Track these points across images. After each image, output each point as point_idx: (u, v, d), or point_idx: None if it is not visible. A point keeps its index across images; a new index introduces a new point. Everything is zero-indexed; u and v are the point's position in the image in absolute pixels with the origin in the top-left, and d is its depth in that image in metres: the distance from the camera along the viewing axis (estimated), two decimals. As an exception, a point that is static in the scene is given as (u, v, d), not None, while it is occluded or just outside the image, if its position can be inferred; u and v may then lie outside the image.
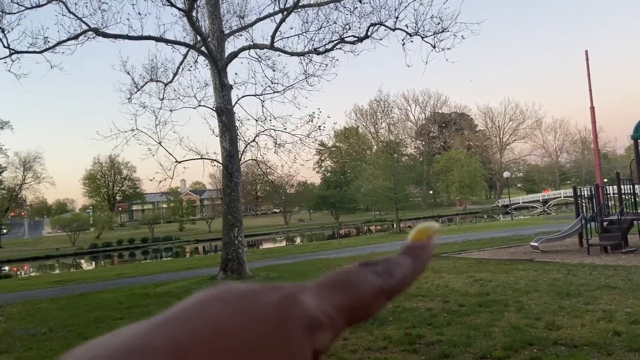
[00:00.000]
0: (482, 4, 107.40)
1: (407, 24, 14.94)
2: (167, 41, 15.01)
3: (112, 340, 0.24)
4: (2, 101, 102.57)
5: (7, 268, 41.91)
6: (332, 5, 15.13)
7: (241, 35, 16.09)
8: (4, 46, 13.47)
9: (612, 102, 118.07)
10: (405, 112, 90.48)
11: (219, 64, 14.08)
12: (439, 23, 14.58)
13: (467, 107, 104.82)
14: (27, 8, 13.52)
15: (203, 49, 14.14)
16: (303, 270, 14.60)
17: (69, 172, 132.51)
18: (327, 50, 15.30)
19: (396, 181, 35.98)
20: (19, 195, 72.02)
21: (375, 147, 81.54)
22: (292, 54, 15.45)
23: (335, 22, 15.21)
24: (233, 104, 14.82)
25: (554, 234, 15.52)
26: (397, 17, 14.58)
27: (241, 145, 15.30)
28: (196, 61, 16.39)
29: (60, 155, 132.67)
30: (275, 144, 16.38)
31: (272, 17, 15.14)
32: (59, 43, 13.92)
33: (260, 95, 15.98)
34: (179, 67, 16.26)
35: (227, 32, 15.32)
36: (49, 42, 13.95)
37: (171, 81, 16.11)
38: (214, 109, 14.66)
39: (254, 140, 15.96)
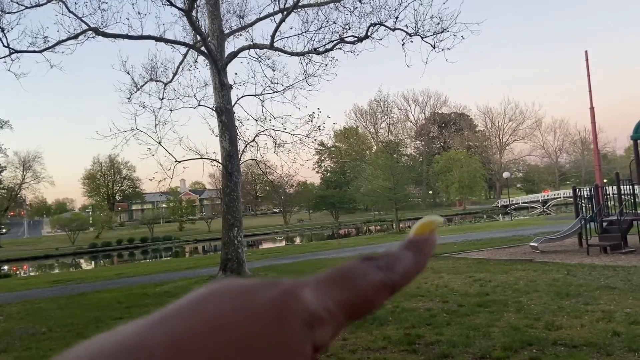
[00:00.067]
0: (482, 4, 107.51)
1: (407, 24, 14.96)
2: (166, 41, 15.01)
3: (111, 338, 0.24)
4: (1, 101, 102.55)
5: (6, 267, 41.89)
6: (332, 5, 15.13)
7: (241, 35, 16.10)
8: (4, 45, 13.48)
9: (612, 103, 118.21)
10: (405, 112, 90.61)
11: (218, 64, 14.08)
12: (438, 23, 14.59)
13: (467, 107, 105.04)
14: (26, 7, 13.52)
15: (203, 48, 14.13)
16: (302, 271, 14.60)
17: (68, 172, 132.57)
18: (327, 50, 15.29)
19: (396, 181, 36.02)
20: (19, 195, 71.97)
21: (374, 147, 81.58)
22: (292, 54, 15.45)
23: (335, 22, 15.23)
24: (233, 103, 14.82)
25: (553, 235, 15.52)
26: (397, 17, 14.59)
27: (241, 145, 15.31)
28: (196, 61, 16.40)
29: (59, 155, 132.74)
30: (275, 143, 16.38)
31: (272, 17, 15.15)
32: (59, 42, 13.92)
33: (260, 95, 15.98)
34: (178, 67, 16.27)
35: (227, 31, 15.32)
36: (48, 41, 13.96)
37: (171, 81, 16.12)
38: (214, 108, 14.66)
39: (253, 140, 15.96)
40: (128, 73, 15.64)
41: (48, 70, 16.56)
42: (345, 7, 15.10)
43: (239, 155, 14.88)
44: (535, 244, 14.39)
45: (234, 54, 15.02)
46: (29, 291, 15.85)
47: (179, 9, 13.83)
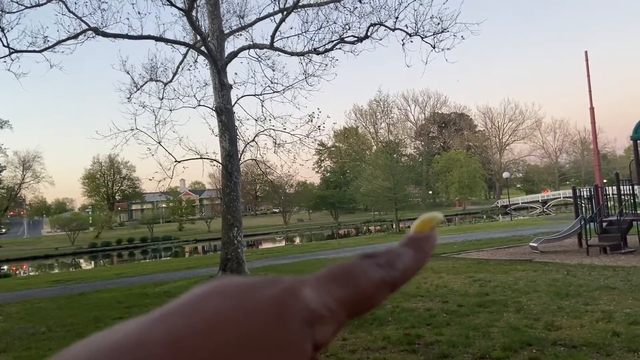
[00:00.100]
0: (482, 5, 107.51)
1: (407, 24, 14.96)
2: (166, 41, 15.01)
3: (110, 336, 0.24)
4: (1, 100, 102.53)
5: (6, 267, 41.87)
6: (332, 5, 15.13)
7: (241, 35, 16.09)
8: (4, 45, 13.47)
9: (612, 103, 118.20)
10: (404, 112, 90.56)
11: (218, 64, 14.07)
12: (438, 23, 14.59)
13: (467, 107, 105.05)
14: (26, 7, 13.52)
15: (203, 48, 14.13)
16: (302, 271, 14.60)
17: (68, 172, 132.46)
18: (326, 50, 15.29)
19: (395, 181, 36.02)
20: (18, 195, 71.96)
21: (374, 147, 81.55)
22: (292, 53, 15.45)
23: (335, 22, 15.23)
24: (233, 103, 14.82)
25: (553, 235, 15.52)
26: (397, 18, 14.59)
27: (241, 145, 15.30)
28: (196, 61, 16.40)
29: (59, 155, 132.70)
30: (275, 143, 16.38)
31: (272, 17, 15.14)
32: (59, 42, 13.91)
33: (260, 95, 15.98)
34: (178, 67, 16.27)
35: (226, 31, 15.31)
36: (48, 41, 13.96)
37: (171, 81, 16.12)
38: (214, 108, 14.65)
39: (253, 140, 15.96)
40: (128, 73, 15.65)
41: (48, 70, 16.58)
42: (345, 7, 15.11)
43: (239, 155, 14.88)
44: (535, 244, 14.40)
45: (234, 54, 15.01)
46: (29, 291, 15.85)
47: (179, 8, 13.83)
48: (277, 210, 78.69)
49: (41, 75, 15.93)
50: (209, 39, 14.19)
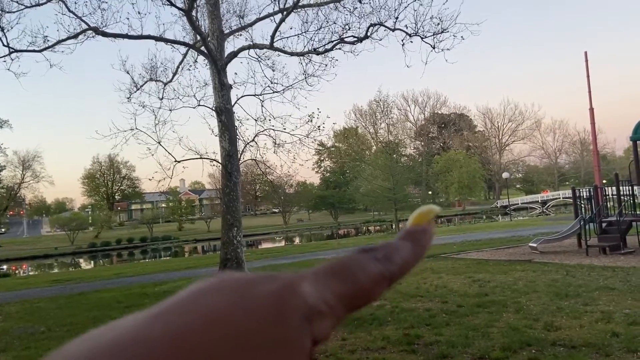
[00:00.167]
0: (482, 5, 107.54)
1: (407, 25, 14.95)
2: (166, 40, 15.00)
3: (108, 333, 0.23)
4: (1, 100, 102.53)
5: (5, 267, 41.86)
6: (331, 5, 15.13)
7: (241, 35, 16.08)
8: (4, 45, 13.46)
9: (612, 104, 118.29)
10: (404, 113, 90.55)
11: (218, 64, 14.07)
12: (438, 24, 14.59)
13: (467, 107, 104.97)
14: (26, 7, 13.51)
15: (203, 48, 14.13)
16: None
17: (68, 171, 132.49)
18: (326, 51, 15.29)
19: (395, 181, 36.02)
20: (18, 194, 71.98)
21: (374, 147, 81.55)
22: (291, 54, 15.45)
23: (335, 23, 15.22)
24: (232, 103, 14.81)
25: (552, 235, 15.53)
26: (396, 18, 14.59)
27: (240, 145, 15.29)
28: (196, 61, 16.39)
29: (59, 154, 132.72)
30: (275, 144, 16.37)
31: (271, 17, 15.14)
32: (59, 42, 13.91)
33: (260, 95, 15.97)
34: (178, 67, 16.26)
35: (226, 31, 15.31)
36: (48, 41, 13.94)
37: (171, 80, 16.11)
38: (214, 108, 14.65)
39: (253, 140, 15.95)
40: (128, 73, 15.64)
41: (48, 70, 16.57)
42: (345, 8, 15.10)
43: (239, 155, 14.88)
44: (535, 245, 14.40)
45: (234, 54, 15.01)
46: (28, 290, 15.85)
47: (178, 8, 13.83)
48: (276, 210, 78.71)
49: (41, 74, 15.92)
50: (208, 39, 14.19)
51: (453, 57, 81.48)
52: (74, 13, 13.36)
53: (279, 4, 14.87)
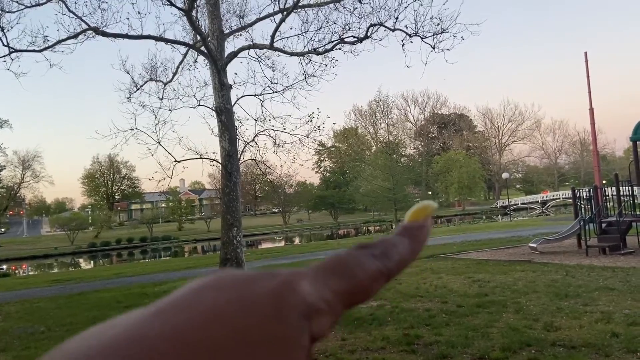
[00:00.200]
0: (482, 5, 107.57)
1: (407, 25, 14.92)
2: (166, 40, 15.00)
3: (107, 331, 0.24)
4: (1, 100, 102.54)
5: (5, 267, 41.85)
6: (332, 5, 15.12)
7: (241, 35, 16.08)
8: (4, 45, 13.45)
9: (612, 104, 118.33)
10: (404, 113, 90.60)
11: (218, 64, 14.07)
12: (438, 24, 14.57)
13: (467, 108, 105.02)
14: (26, 7, 13.50)
15: (203, 48, 14.13)
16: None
17: (68, 171, 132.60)
18: (326, 51, 15.29)
19: (395, 182, 36.07)
20: (18, 194, 71.95)
21: (374, 147, 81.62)
22: (291, 54, 15.44)
23: (335, 23, 15.21)
24: (232, 103, 14.81)
25: (552, 235, 15.53)
26: (396, 18, 14.57)
27: (240, 145, 15.28)
28: (196, 61, 16.38)
29: (59, 154, 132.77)
30: (275, 144, 16.36)
31: (271, 17, 15.13)
32: (59, 42, 13.90)
33: (260, 95, 15.96)
34: (178, 67, 16.25)
35: (226, 31, 15.31)
36: (48, 40, 13.93)
37: (171, 80, 16.10)
38: (214, 108, 14.65)
39: (253, 140, 15.94)
40: (128, 73, 15.63)
41: (48, 70, 16.54)
42: (345, 8, 15.09)
43: (239, 155, 14.87)
44: (534, 245, 14.40)
45: (234, 54, 15.01)
46: (28, 290, 15.85)
47: (178, 8, 13.83)
48: (276, 211, 78.72)
49: (41, 74, 15.88)
50: (209, 39, 14.19)
51: (453, 58, 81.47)
52: (74, 13, 13.36)
53: (279, 4, 14.87)
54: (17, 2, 13.33)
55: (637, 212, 13.96)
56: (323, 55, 15.51)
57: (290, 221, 71.93)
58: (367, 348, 6.00)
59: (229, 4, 16.14)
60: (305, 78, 15.92)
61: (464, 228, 33.90)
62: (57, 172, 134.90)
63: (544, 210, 62.47)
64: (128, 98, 15.66)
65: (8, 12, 13.34)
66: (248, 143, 15.84)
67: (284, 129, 16.07)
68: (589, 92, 27.14)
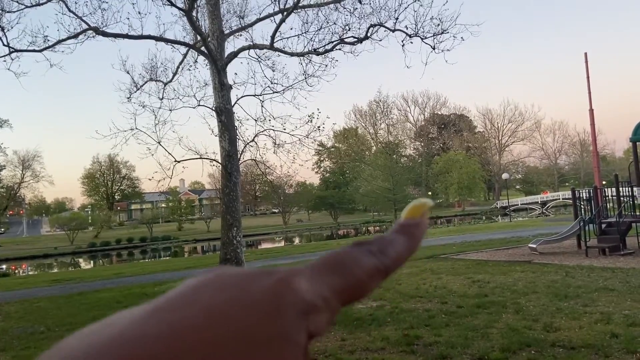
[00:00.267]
0: (482, 6, 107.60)
1: (407, 25, 14.92)
2: (167, 41, 15.00)
3: (105, 329, 0.24)
4: (1, 99, 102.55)
5: (5, 266, 41.84)
6: (332, 6, 15.13)
7: (241, 35, 16.09)
8: (4, 44, 13.46)
9: (612, 105, 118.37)
10: (404, 113, 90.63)
11: (218, 64, 14.08)
12: (438, 24, 14.57)
13: (467, 108, 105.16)
14: (27, 7, 13.51)
15: (203, 48, 14.13)
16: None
17: (67, 171, 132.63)
18: (326, 51, 15.29)
19: (395, 182, 36.06)
20: (18, 194, 71.93)
21: (374, 147, 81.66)
22: (291, 54, 15.45)
23: (335, 23, 15.21)
24: (232, 104, 14.81)
25: (552, 236, 15.54)
26: (396, 19, 14.58)
27: (240, 145, 15.28)
28: (196, 61, 16.38)
29: (59, 154, 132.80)
30: (275, 144, 16.37)
31: (272, 18, 15.14)
32: (59, 42, 13.90)
33: (260, 95, 15.97)
34: (178, 67, 16.25)
35: (227, 32, 15.32)
36: (48, 40, 13.93)
37: (171, 81, 16.10)
38: (214, 108, 14.65)
39: (253, 140, 15.94)
40: (128, 73, 15.63)
41: (48, 70, 16.54)
42: (345, 8, 15.10)
43: (239, 155, 14.87)
44: (534, 246, 14.40)
45: (234, 54, 15.02)
46: (28, 290, 15.84)
47: (179, 8, 13.83)
48: (276, 211, 78.71)
49: (41, 74, 15.88)
50: (209, 39, 14.19)
51: (453, 58, 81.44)
52: (74, 13, 13.36)
53: (279, 4, 14.87)
54: (17, 2, 13.34)
55: (637, 213, 13.96)
56: (323, 55, 15.51)
57: (290, 221, 71.90)
58: (367, 348, 6.00)
59: (229, 4, 16.15)
60: (305, 78, 15.93)
61: (463, 229, 33.89)
62: (57, 172, 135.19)
63: (544, 211, 62.46)
64: (128, 98, 15.67)
65: (8, 12, 13.35)
66: (248, 143, 15.84)
67: (284, 129, 16.08)
68: (589, 92, 27.14)
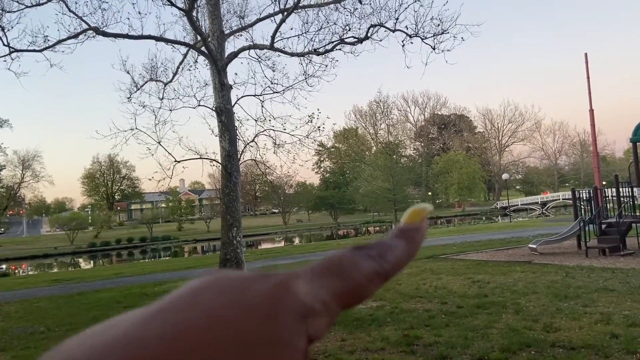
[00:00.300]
0: (482, 6, 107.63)
1: (407, 26, 14.91)
2: (167, 41, 15.00)
3: (105, 332, 0.24)
4: (1, 99, 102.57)
5: (5, 266, 41.83)
6: (332, 6, 15.13)
7: (241, 35, 16.08)
8: (4, 44, 13.46)
9: (612, 105, 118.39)
10: (404, 113, 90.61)
11: (218, 64, 14.08)
12: (439, 25, 14.56)
13: (467, 108, 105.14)
14: (27, 6, 13.51)
15: (203, 48, 14.13)
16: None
17: (67, 171, 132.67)
18: (327, 51, 15.29)
19: (395, 182, 36.04)
20: (18, 194, 71.94)
21: (374, 148, 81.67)
22: (292, 54, 15.45)
23: (335, 23, 15.21)
24: (233, 104, 14.81)
25: (552, 236, 15.54)
26: (397, 19, 14.57)
27: (240, 145, 15.28)
28: (196, 61, 16.38)
29: (59, 154, 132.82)
30: (275, 144, 16.36)
31: (272, 18, 15.14)
32: (59, 42, 13.90)
33: (260, 95, 15.96)
34: (178, 67, 16.25)
35: (227, 32, 15.32)
36: (48, 40, 13.93)
37: (171, 81, 16.10)
38: (214, 109, 14.65)
39: (253, 141, 15.94)
40: (128, 73, 15.62)
41: (48, 70, 16.54)
42: (345, 8, 15.10)
43: (239, 155, 14.87)
44: (534, 246, 14.40)
45: (234, 54, 15.02)
46: (28, 290, 15.84)
47: (179, 8, 13.83)
48: (276, 211, 78.71)
49: (41, 74, 15.87)
50: (209, 39, 14.19)
51: (453, 58, 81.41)
52: (74, 13, 13.36)
53: (279, 4, 14.87)
54: (17, 1, 13.34)
55: (637, 214, 13.95)
56: (323, 55, 15.51)
57: (290, 221, 71.89)
58: (367, 349, 6.00)
59: (230, 4, 16.15)
60: (306, 78, 15.93)
61: (463, 229, 33.89)
62: (57, 172, 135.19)
63: (544, 211, 62.46)
64: (128, 98, 15.66)
65: (8, 12, 13.35)
66: (248, 143, 15.84)
67: (284, 129, 16.07)
68: (589, 93, 27.14)
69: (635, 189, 14.42)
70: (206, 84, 16.28)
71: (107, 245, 54.71)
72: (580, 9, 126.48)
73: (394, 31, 14.81)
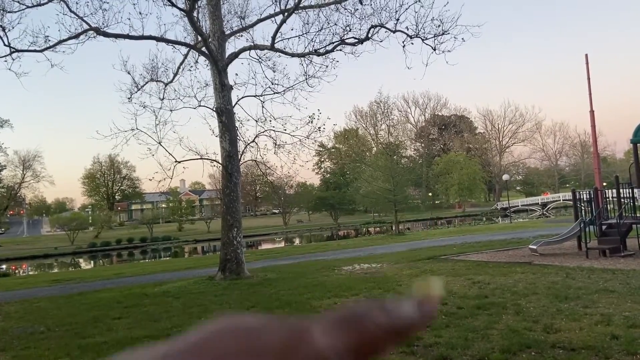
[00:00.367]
0: (483, 6, 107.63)
1: (408, 26, 14.94)
2: (167, 41, 15.02)
3: None
4: (2, 99, 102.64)
5: (5, 266, 41.84)
6: (332, 6, 15.15)
7: (242, 35, 16.12)
8: (5, 44, 13.49)
9: (612, 106, 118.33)
10: (405, 114, 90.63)
11: (219, 65, 14.09)
12: (439, 25, 14.59)
13: (467, 109, 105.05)
14: (28, 7, 13.53)
15: (204, 49, 14.15)
16: (301, 272, 14.60)
17: (68, 171, 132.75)
18: (327, 52, 15.31)
19: (395, 183, 35.92)
20: (18, 194, 72.00)
21: (374, 148, 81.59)
22: (292, 55, 15.46)
23: (335, 24, 15.24)
24: (233, 104, 14.83)
25: (552, 237, 15.53)
26: (397, 19, 14.60)
27: (241, 145, 15.30)
28: (197, 61, 16.40)
29: (59, 154, 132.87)
30: (275, 144, 16.37)
31: (272, 18, 15.16)
32: (60, 42, 13.92)
33: (261, 96, 15.98)
34: (179, 67, 16.27)
35: (227, 32, 15.34)
36: (49, 40, 13.96)
37: (171, 81, 16.12)
38: (214, 109, 14.67)
39: (253, 141, 15.96)
40: (129, 73, 15.66)
41: (49, 70, 16.57)
42: (346, 9, 15.12)
43: (239, 155, 14.89)
44: (535, 247, 14.40)
45: (235, 55, 15.03)
46: (28, 290, 15.85)
47: (180, 9, 13.85)
48: (276, 211, 78.73)
49: (42, 74, 15.91)
50: (209, 39, 14.21)
51: (454, 59, 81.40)
52: (75, 13, 13.39)
53: (280, 5, 14.89)
54: (18, 2, 13.36)
55: (638, 215, 13.95)
56: (324, 56, 15.53)
57: (290, 222, 71.90)
58: (367, 349, 5.99)
59: (230, 4, 16.18)
60: (306, 79, 15.95)
61: (464, 230, 33.88)
62: (57, 172, 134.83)
63: (544, 212, 62.45)
64: (129, 98, 15.69)
65: (9, 12, 13.37)
66: (248, 144, 15.86)
67: (285, 129, 16.10)
68: (590, 94, 27.11)
69: (635, 190, 14.41)
70: (207, 85, 16.30)
71: (108, 245, 54.71)
72: (581, 9, 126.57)
73: (394, 32, 14.82)
